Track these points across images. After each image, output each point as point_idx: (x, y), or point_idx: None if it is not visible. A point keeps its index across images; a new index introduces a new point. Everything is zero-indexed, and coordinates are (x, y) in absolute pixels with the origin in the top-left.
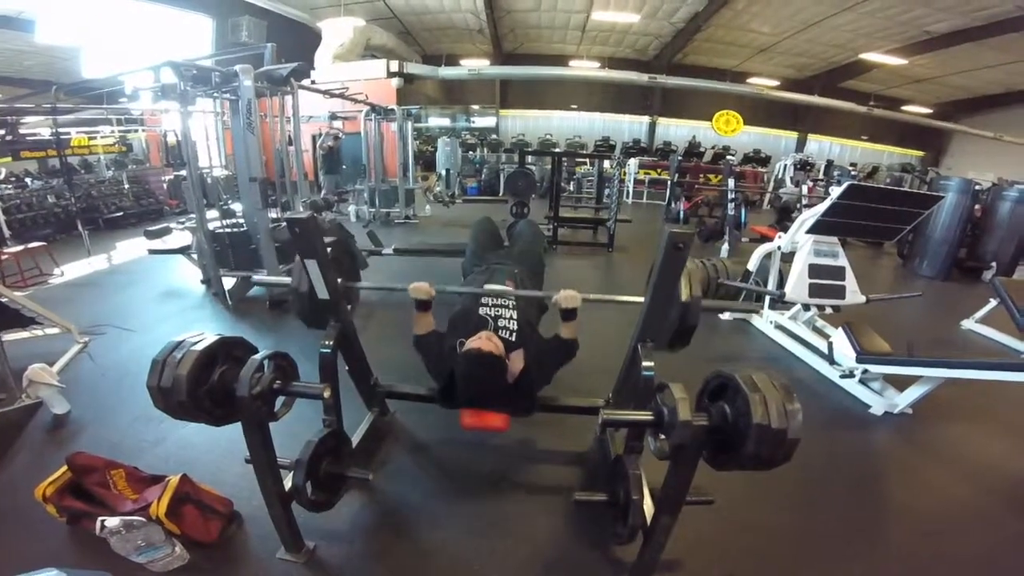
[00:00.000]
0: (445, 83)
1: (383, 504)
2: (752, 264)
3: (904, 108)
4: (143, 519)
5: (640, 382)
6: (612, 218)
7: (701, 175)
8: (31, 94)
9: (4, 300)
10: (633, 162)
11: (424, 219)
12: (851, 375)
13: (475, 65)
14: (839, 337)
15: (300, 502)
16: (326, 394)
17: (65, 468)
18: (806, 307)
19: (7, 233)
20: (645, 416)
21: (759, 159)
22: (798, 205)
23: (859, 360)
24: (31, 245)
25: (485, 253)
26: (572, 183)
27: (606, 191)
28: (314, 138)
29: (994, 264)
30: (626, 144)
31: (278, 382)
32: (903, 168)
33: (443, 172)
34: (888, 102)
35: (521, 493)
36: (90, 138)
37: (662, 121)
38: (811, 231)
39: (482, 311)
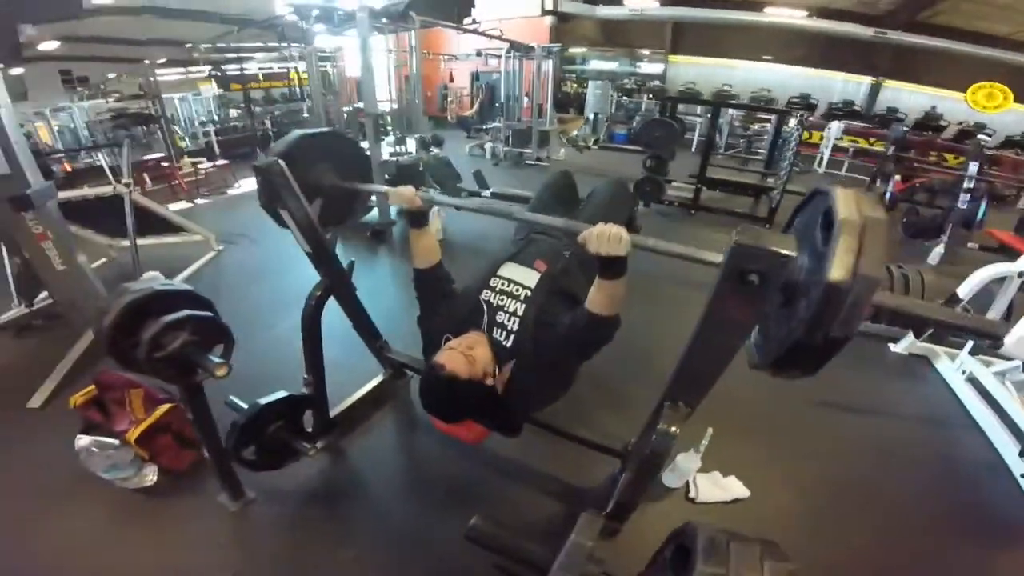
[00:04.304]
0: (607, 24)
1: (341, 475)
2: (967, 287)
3: None
4: (116, 441)
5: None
6: (779, 187)
7: (933, 153)
8: (228, 33)
9: (157, 211)
10: (836, 125)
11: (556, 163)
12: None
13: (638, 4)
14: None
15: (237, 461)
16: (218, 373)
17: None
18: None
19: (218, 151)
20: None
21: None
22: None
23: None
24: (218, 163)
25: (548, 213)
26: (742, 142)
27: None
28: (472, 76)
29: None
30: (833, 105)
31: (190, 347)
32: None
33: (591, 116)
34: None
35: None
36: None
37: (890, 84)
38: None
39: (484, 295)
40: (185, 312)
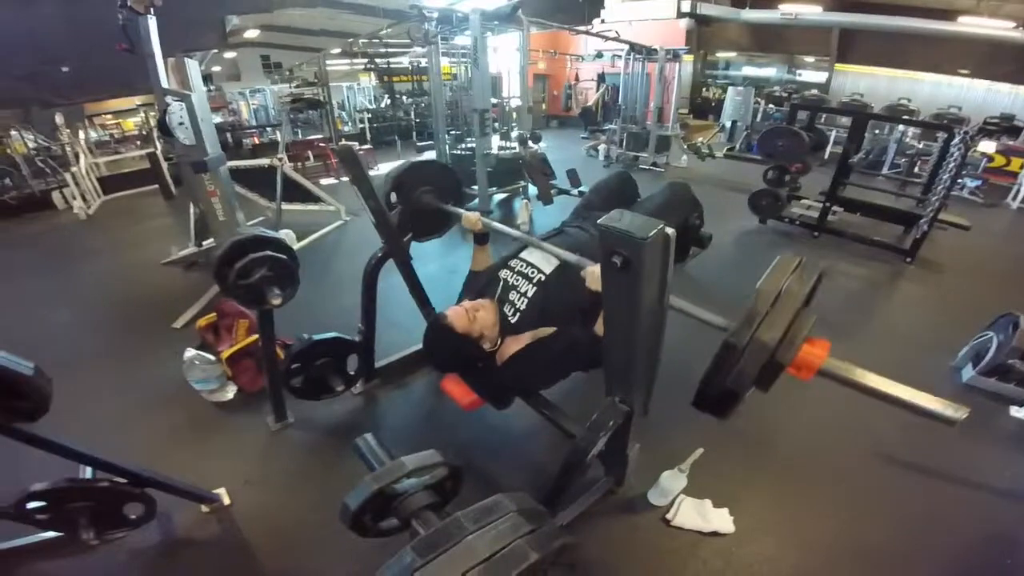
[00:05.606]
0: (757, 29)
1: (367, 419)
2: None
3: None
4: (211, 357)
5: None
6: (927, 216)
7: None
8: (385, 27)
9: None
10: None
11: (673, 170)
12: None
13: (793, 9)
14: None
15: (286, 385)
16: (273, 302)
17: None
18: None
19: (368, 136)
20: None
21: None
22: None
23: None
24: (365, 147)
25: (594, 211)
26: (904, 162)
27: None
28: (598, 76)
29: None
30: None
31: (265, 280)
32: None
33: (727, 124)
34: None
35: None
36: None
37: None
38: None
39: (503, 273)
40: (267, 252)
